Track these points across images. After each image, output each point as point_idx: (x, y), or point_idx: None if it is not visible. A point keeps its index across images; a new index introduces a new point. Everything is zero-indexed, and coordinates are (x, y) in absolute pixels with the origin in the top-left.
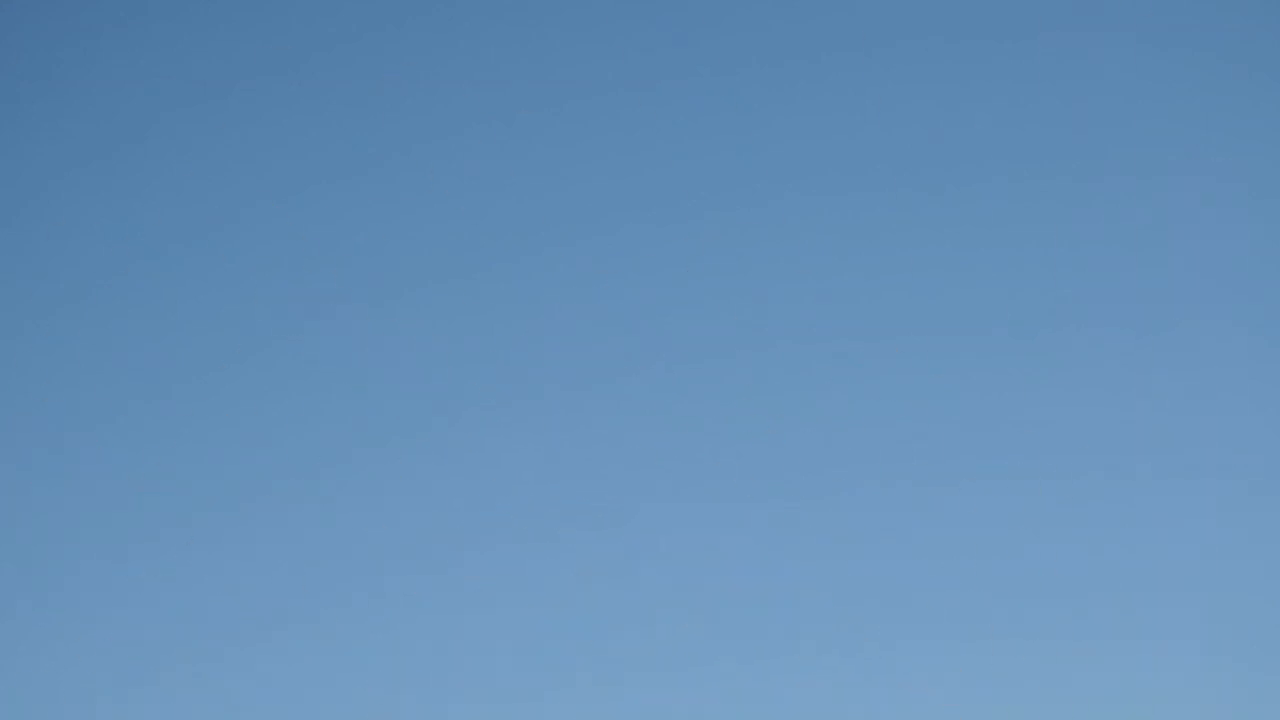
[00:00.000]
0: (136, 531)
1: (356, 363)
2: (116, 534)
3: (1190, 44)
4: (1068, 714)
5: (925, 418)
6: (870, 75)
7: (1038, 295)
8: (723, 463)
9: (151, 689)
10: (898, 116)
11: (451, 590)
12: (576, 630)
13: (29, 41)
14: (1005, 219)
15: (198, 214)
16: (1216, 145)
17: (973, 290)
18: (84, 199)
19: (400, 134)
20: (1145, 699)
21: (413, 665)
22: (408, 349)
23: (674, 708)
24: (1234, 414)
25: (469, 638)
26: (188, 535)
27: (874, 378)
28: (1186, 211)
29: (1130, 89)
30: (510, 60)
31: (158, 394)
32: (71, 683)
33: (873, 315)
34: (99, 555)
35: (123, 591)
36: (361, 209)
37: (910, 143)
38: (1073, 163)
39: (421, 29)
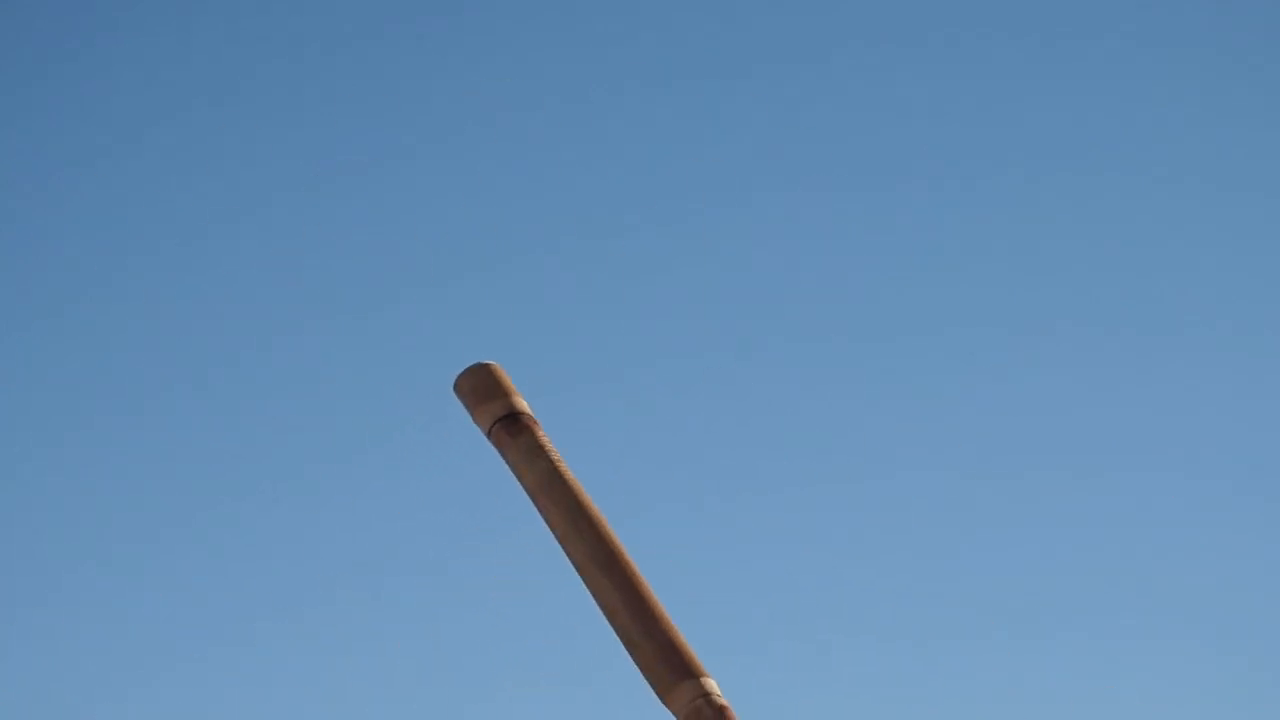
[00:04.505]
0: (134, 531)
1: (354, 362)
2: (114, 533)
3: (1190, 44)
4: (1068, 714)
5: (925, 418)
6: (869, 74)
7: (1038, 295)
8: (722, 462)
9: (149, 689)
10: (896, 116)
11: (450, 590)
12: (575, 631)
13: (28, 41)
14: (1004, 218)
15: (196, 213)
16: (1216, 145)
17: (972, 290)
18: (84, 199)
19: (398, 133)
20: (1145, 699)
21: (411, 665)
22: (405, 348)
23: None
24: (1233, 414)
25: (468, 638)
26: (186, 535)
27: (874, 378)
28: (1186, 211)
29: (1129, 89)
30: (509, 60)
31: (156, 393)
32: (70, 682)
33: (872, 315)
34: (98, 555)
35: (120, 592)
36: (359, 208)
37: (910, 142)
38: (1073, 162)
39: (420, 28)
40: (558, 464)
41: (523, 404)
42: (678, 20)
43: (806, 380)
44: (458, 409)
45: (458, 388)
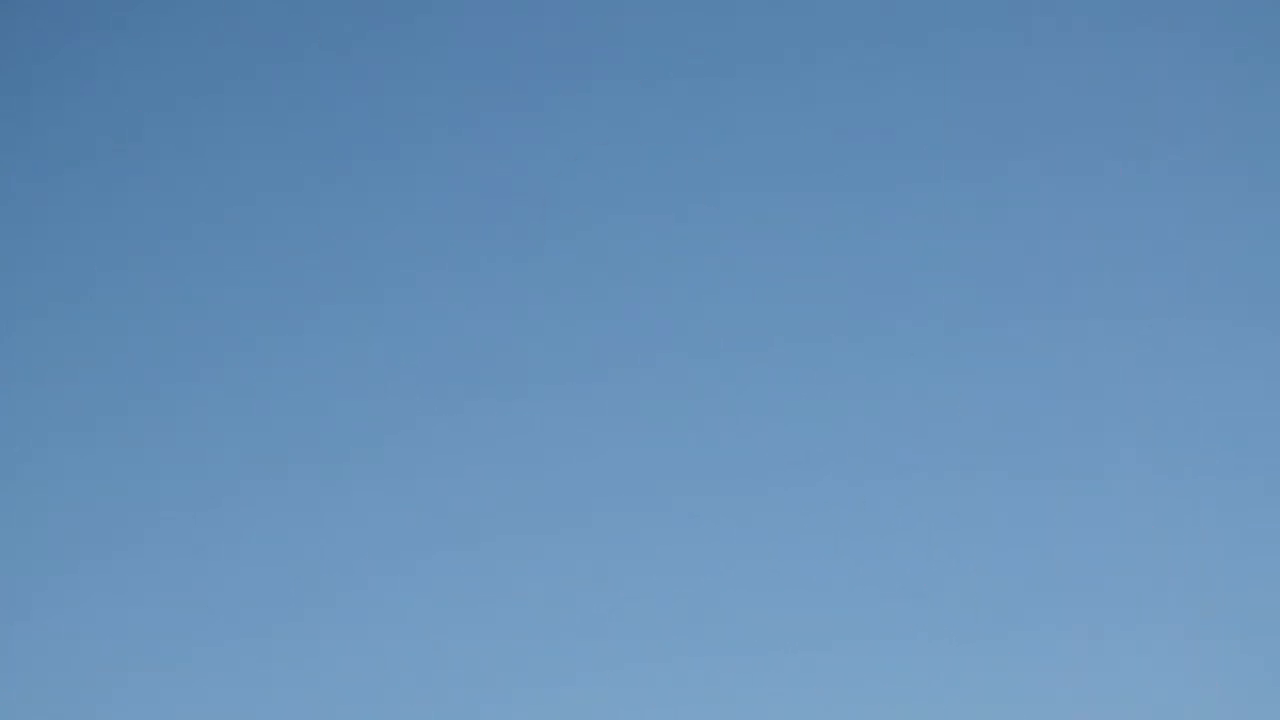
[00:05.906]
0: (129, 531)
1: (350, 361)
2: (110, 533)
3: (1190, 44)
4: (1069, 714)
5: (923, 417)
6: (869, 74)
7: (1036, 294)
8: (719, 462)
9: (144, 689)
10: (891, 115)
11: (445, 591)
12: (571, 631)
13: (29, 41)
14: (1004, 218)
15: (193, 212)
16: (1217, 145)
17: (972, 290)
18: (83, 198)
19: (392, 130)
20: (1145, 700)
21: (405, 666)
22: (398, 347)
23: (671, 708)
24: (1232, 414)
25: (464, 639)
26: (181, 535)
27: (872, 377)
28: (1186, 211)
29: (1129, 89)
30: (503, 58)
31: (154, 392)
32: (68, 682)
33: (870, 315)
34: (93, 554)
35: (114, 591)
36: (353, 206)
37: (904, 141)
38: (1072, 162)
39: (417, 27)
40: None
41: None
42: (676, 19)
43: (805, 380)
44: (450, 406)
45: None
